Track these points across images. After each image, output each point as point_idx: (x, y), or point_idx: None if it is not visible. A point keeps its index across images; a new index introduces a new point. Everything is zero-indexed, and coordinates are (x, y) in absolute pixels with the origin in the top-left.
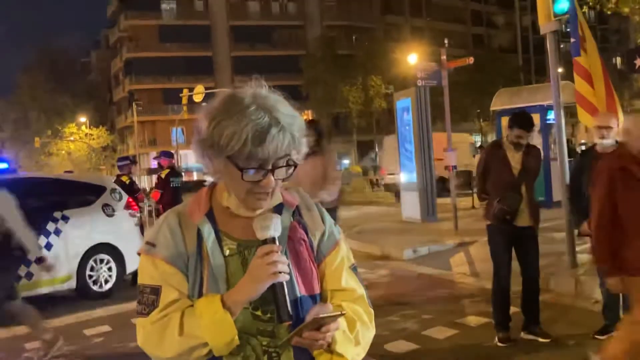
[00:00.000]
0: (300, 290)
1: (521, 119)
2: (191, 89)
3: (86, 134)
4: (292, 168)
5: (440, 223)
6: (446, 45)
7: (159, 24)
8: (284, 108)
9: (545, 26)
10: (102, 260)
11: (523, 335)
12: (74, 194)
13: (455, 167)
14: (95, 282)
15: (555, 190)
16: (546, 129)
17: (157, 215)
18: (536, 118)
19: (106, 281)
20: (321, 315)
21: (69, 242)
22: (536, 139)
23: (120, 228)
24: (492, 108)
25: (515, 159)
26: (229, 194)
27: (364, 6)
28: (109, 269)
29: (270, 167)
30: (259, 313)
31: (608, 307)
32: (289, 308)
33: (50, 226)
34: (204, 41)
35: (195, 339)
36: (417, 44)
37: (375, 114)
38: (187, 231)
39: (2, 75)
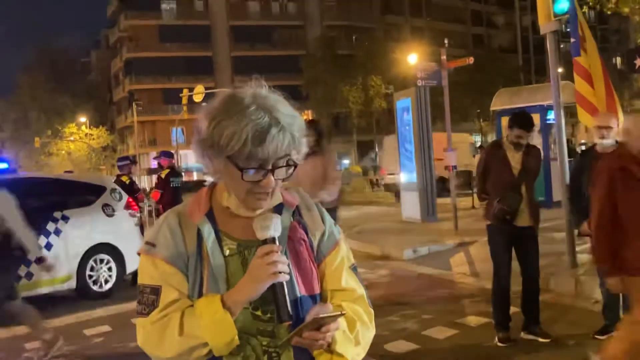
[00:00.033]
0: (300, 290)
1: (521, 119)
2: (191, 89)
3: (86, 134)
4: (292, 168)
5: (440, 223)
6: (446, 45)
7: (159, 24)
8: (284, 108)
9: (545, 26)
10: (102, 260)
11: (523, 335)
12: (74, 194)
13: (455, 167)
14: (95, 282)
15: (555, 190)
16: (546, 129)
17: (157, 215)
18: (536, 118)
19: (106, 281)
20: (321, 315)
21: (69, 242)
22: (536, 139)
23: (120, 228)
24: (492, 108)
25: (515, 159)
26: (229, 194)
27: (364, 6)
28: (109, 269)
29: (270, 167)
30: (259, 313)
31: (608, 307)
32: (289, 308)
33: (50, 226)
34: (204, 41)
35: (195, 339)
36: (417, 44)
37: (375, 114)
38: (187, 231)
39: (2, 75)
